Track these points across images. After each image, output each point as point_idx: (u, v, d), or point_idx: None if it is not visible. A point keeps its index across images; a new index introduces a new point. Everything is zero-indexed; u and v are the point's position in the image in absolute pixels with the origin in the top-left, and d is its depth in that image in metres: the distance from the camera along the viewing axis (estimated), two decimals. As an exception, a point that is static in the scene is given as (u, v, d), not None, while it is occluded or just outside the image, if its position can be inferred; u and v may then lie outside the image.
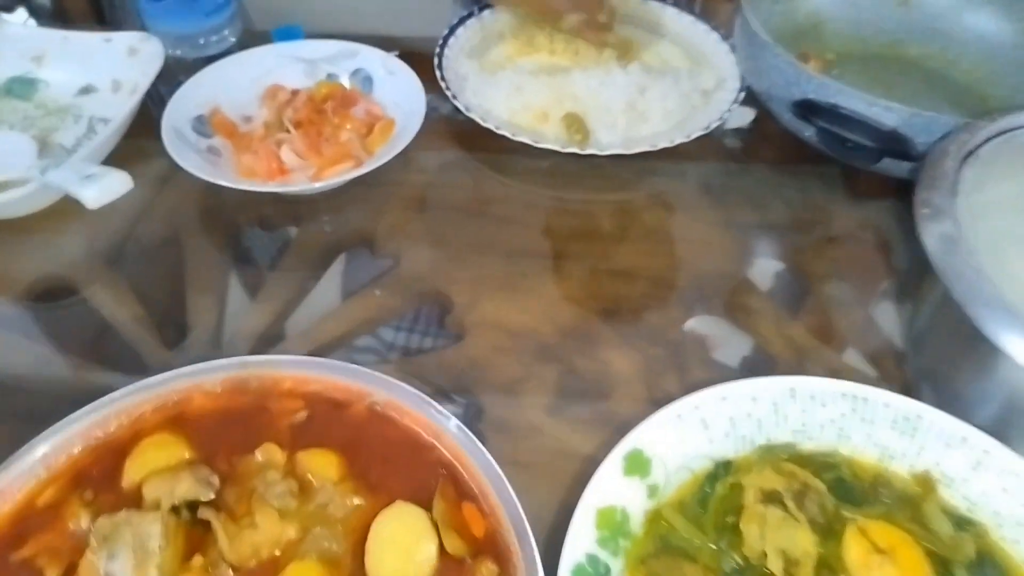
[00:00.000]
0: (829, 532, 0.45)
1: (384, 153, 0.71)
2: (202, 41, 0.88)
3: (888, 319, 0.65)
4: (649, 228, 0.73)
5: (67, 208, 0.68)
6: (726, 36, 0.85)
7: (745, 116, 0.81)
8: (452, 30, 0.86)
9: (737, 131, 0.82)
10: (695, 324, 0.64)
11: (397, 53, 0.80)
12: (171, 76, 0.81)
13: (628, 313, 0.65)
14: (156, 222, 0.71)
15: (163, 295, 0.66)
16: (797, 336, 0.63)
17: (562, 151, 0.72)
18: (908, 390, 0.51)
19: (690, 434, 0.48)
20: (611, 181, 0.75)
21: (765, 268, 0.70)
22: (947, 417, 0.48)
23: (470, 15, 0.88)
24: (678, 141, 0.73)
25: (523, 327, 0.63)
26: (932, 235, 0.49)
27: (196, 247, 0.70)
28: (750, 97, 0.78)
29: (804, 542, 0.44)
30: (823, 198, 0.75)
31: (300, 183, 0.70)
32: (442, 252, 0.69)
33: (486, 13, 0.88)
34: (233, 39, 0.90)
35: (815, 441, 0.49)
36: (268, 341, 0.62)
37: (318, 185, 0.68)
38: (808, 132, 0.71)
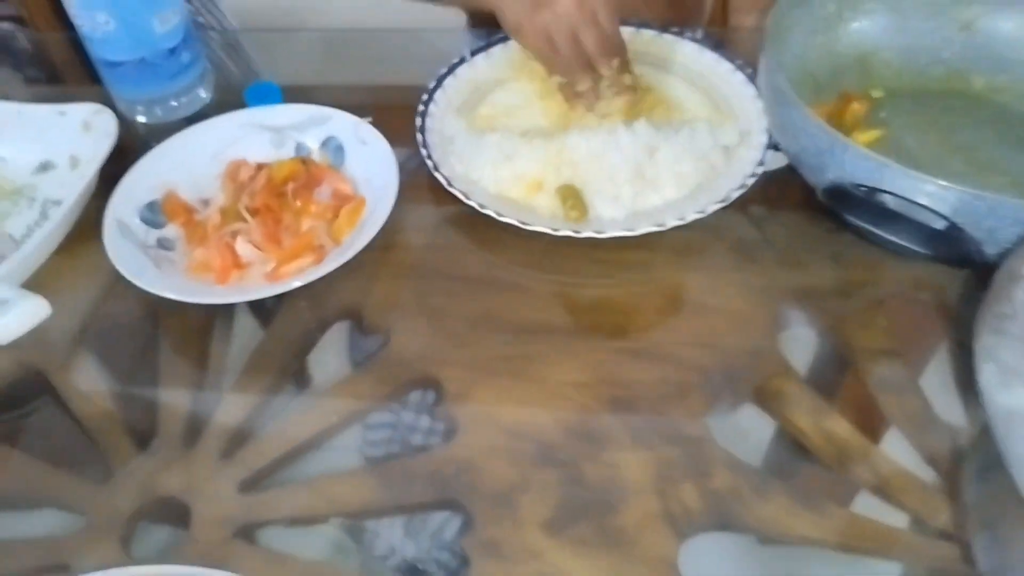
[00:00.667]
0: None
1: (352, 243, 0.62)
2: (174, 103, 0.80)
3: (950, 406, 0.54)
4: (668, 297, 0.63)
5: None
6: (754, 75, 0.73)
7: (778, 159, 0.68)
8: (440, 81, 0.76)
9: (770, 176, 0.69)
10: (719, 416, 0.55)
11: (371, 119, 0.71)
12: (142, 141, 0.74)
13: (642, 403, 0.56)
14: (120, 306, 0.65)
15: (129, 390, 0.60)
16: (838, 429, 0.53)
17: (554, 233, 0.62)
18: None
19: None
20: (625, 240, 0.63)
21: (802, 342, 0.60)
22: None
23: (461, 61, 0.77)
24: (690, 218, 0.62)
25: (522, 422, 0.55)
26: (998, 408, 0.37)
27: (164, 335, 0.63)
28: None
29: None
30: (873, 252, 0.63)
31: (254, 284, 0.62)
32: (435, 329, 0.61)
33: (479, 58, 0.78)
34: (207, 96, 0.82)
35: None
36: (240, 440, 0.56)
37: (273, 289, 0.60)
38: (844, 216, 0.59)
